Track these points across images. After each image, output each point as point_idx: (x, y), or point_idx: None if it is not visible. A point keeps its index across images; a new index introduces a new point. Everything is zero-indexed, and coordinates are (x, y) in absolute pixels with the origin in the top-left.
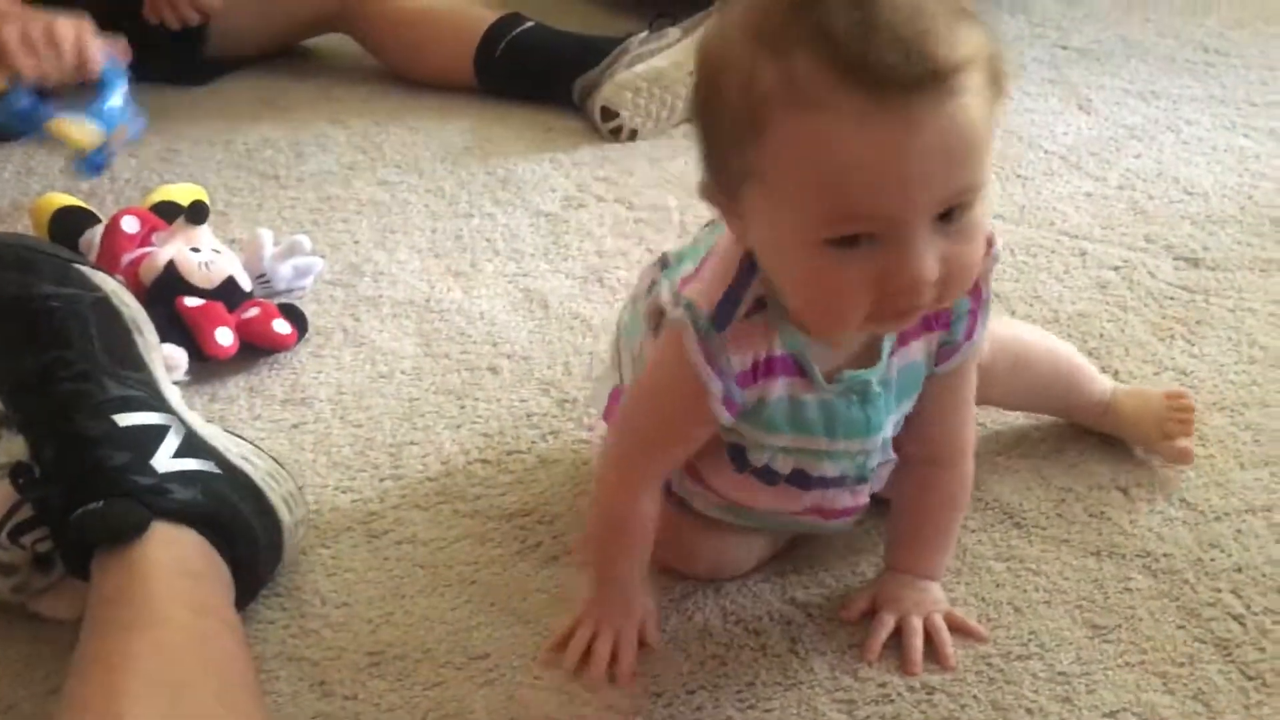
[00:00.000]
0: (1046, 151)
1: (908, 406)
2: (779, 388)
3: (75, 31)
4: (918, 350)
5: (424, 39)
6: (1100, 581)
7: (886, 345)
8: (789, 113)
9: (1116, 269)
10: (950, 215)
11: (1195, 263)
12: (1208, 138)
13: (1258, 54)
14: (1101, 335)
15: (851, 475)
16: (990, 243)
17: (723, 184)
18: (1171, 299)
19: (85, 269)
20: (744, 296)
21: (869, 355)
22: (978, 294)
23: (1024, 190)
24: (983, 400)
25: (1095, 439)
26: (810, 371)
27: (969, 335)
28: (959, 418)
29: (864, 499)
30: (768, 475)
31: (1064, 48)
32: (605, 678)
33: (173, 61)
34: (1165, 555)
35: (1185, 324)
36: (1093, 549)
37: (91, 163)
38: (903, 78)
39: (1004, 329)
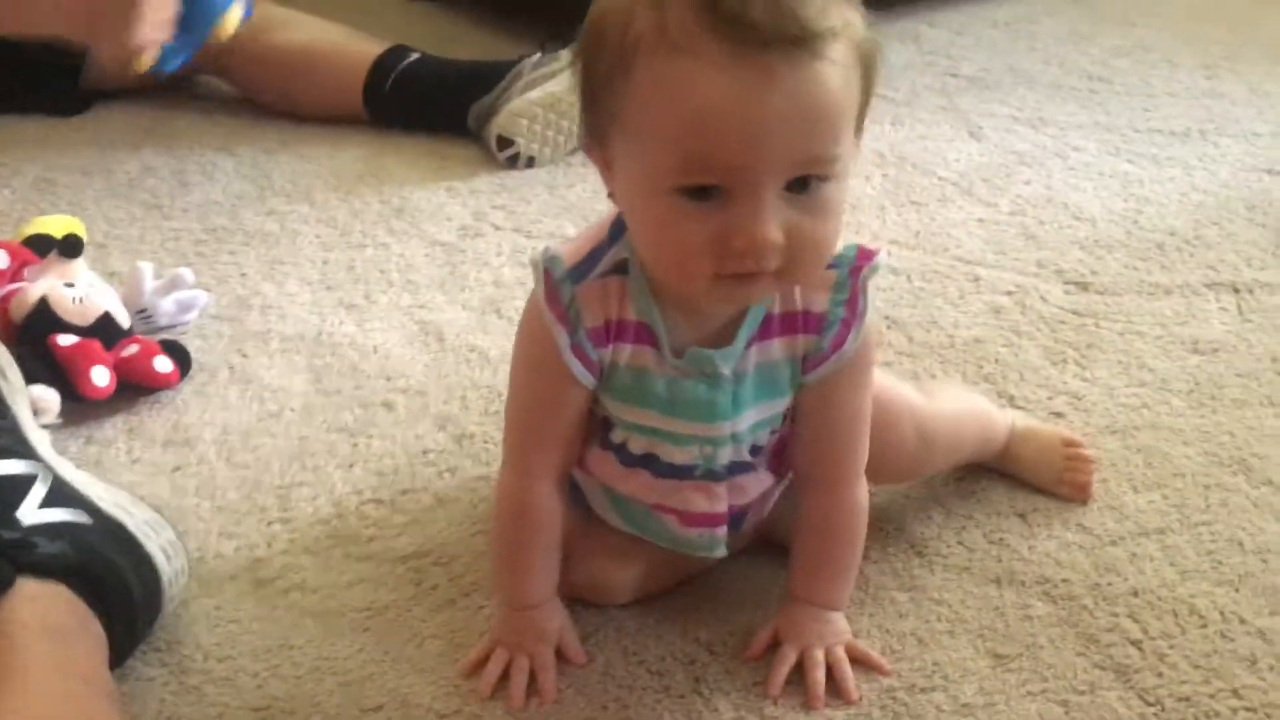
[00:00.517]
0: (940, 178)
1: (770, 410)
2: (627, 354)
3: None
4: (779, 350)
5: (306, 78)
6: (1001, 609)
7: (744, 332)
8: (655, 55)
9: (1009, 294)
10: (803, 185)
11: (1085, 287)
12: (1094, 163)
13: (1139, 81)
14: (996, 360)
15: (700, 467)
16: (868, 255)
17: (595, 131)
18: (1063, 323)
19: None
20: (604, 255)
21: (724, 337)
22: (853, 304)
23: (919, 216)
24: (896, 476)
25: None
26: (660, 342)
27: (838, 345)
28: (846, 437)
29: (721, 508)
30: (624, 455)
31: (954, 75)
32: (524, 705)
33: (50, 91)
34: (1064, 581)
35: (1077, 348)
36: (993, 576)
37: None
38: (766, 32)
39: (904, 407)
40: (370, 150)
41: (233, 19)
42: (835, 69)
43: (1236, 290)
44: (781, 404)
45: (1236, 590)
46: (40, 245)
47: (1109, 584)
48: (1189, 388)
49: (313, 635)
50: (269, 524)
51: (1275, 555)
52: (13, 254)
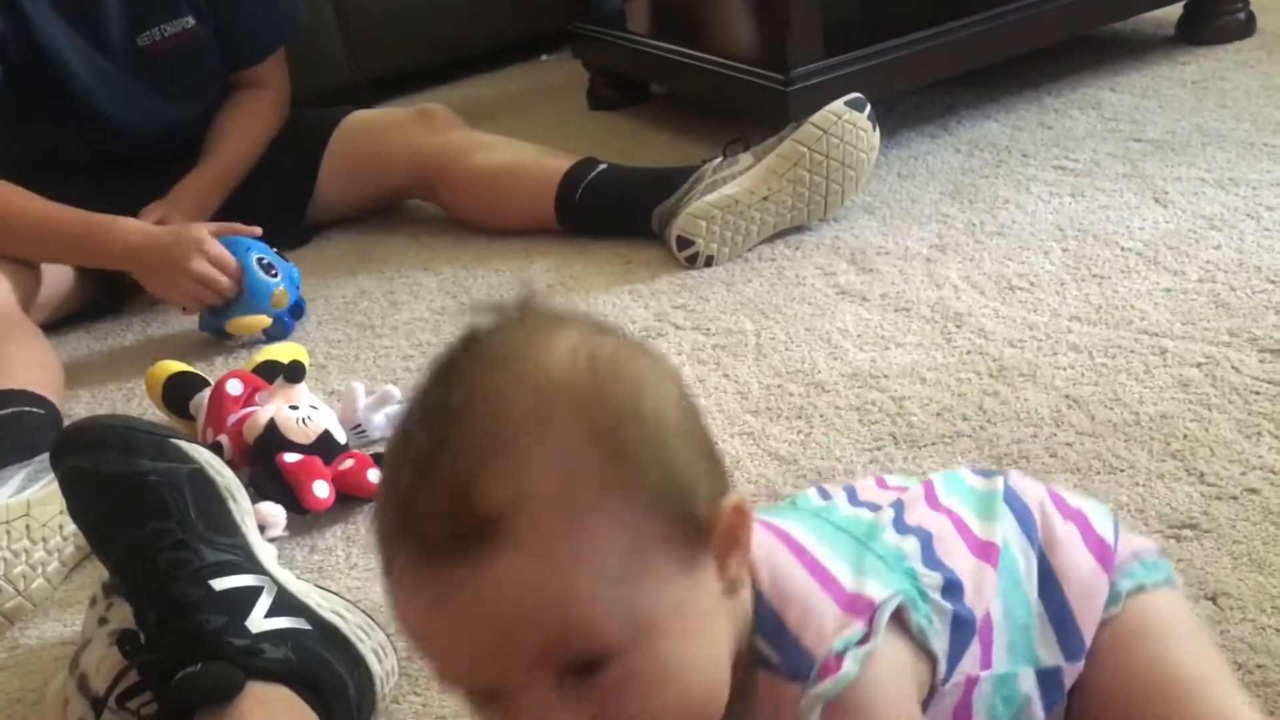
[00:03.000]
0: (1123, 249)
1: None
2: None
3: (213, 258)
4: None
5: (503, 196)
6: None
7: None
8: (385, 573)
9: (1199, 365)
10: (587, 670)
11: None
12: None
13: None
14: (1185, 436)
15: None
16: (827, 668)
17: None
18: (1257, 394)
19: (181, 443)
20: None
21: None
22: None
23: (1100, 290)
24: None
25: (1175, 545)
26: None
27: None
28: None
29: None
30: None
31: (1138, 140)
32: None
33: (276, 228)
34: (1258, 667)
35: (1273, 419)
36: None
37: (277, 329)
38: (427, 541)
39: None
40: (559, 259)
41: (279, 298)
42: (521, 560)
43: None
44: None
45: None
46: (268, 372)
47: None
48: None
49: None
50: None
51: None
52: (245, 381)
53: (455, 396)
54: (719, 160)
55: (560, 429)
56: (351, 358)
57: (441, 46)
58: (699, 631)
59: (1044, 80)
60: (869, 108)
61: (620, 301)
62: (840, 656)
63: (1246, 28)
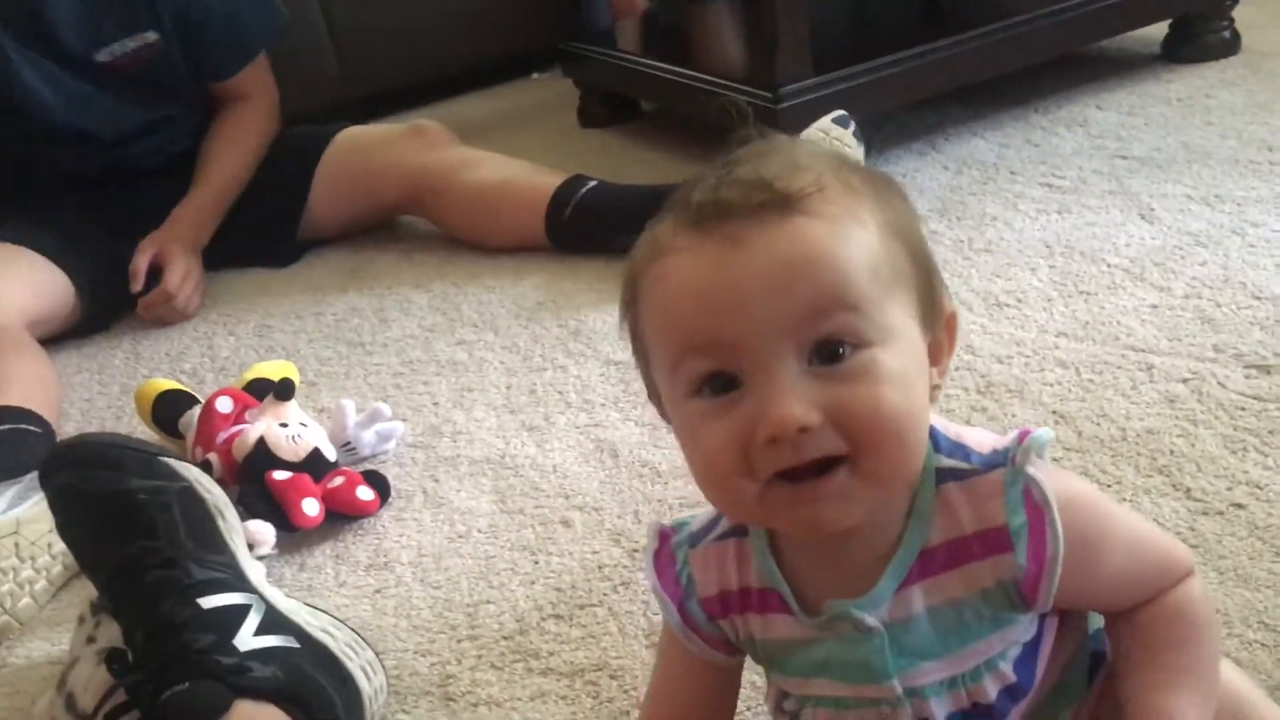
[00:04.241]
0: (1109, 265)
1: (979, 654)
2: (759, 626)
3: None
4: (959, 585)
5: (494, 212)
6: None
7: (891, 574)
8: (648, 271)
9: (1185, 381)
10: (832, 356)
11: (1266, 370)
12: (1275, 239)
13: None
14: (1172, 452)
15: None
16: (1022, 439)
17: (648, 382)
18: (1243, 409)
19: (170, 461)
20: (723, 517)
21: (866, 582)
22: (1030, 503)
23: (1087, 306)
24: None
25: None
26: (790, 605)
27: (1039, 557)
28: (1129, 586)
29: None
30: None
31: (1124, 158)
32: None
33: (267, 245)
34: None
35: (1258, 435)
36: None
37: None
38: (732, 206)
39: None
40: (549, 277)
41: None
42: (816, 222)
43: None
44: (1002, 639)
45: None
46: (258, 389)
47: None
48: None
49: None
50: (459, 641)
51: None
52: (235, 399)
53: (749, 152)
54: None
55: (843, 172)
56: (342, 375)
57: (432, 64)
58: (920, 384)
59: (1032, 98)
60: (854, 124)
61: (611, 319)
62: (1034, 439)
63: (1231, 45)
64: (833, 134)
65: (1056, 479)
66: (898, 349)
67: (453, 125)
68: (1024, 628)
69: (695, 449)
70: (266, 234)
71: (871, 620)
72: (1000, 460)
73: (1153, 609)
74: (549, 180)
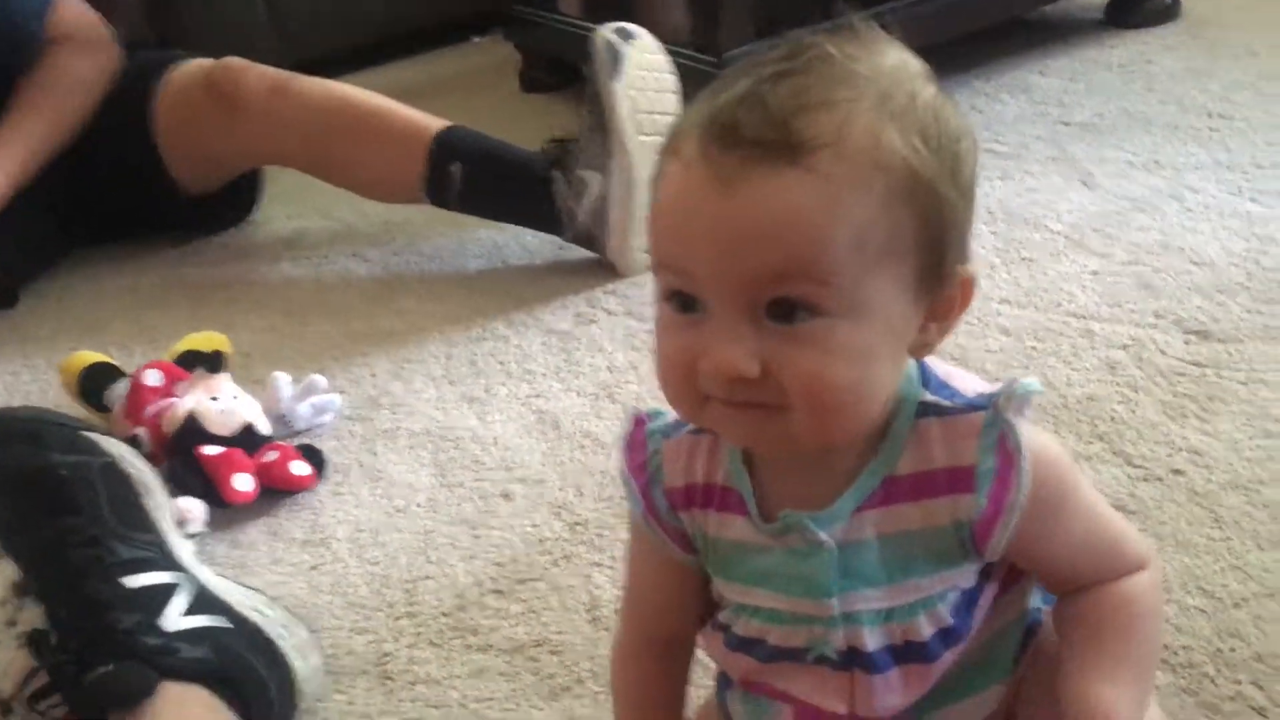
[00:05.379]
0: (1051, 232)
1: (922, 589)
2: (715, 524)
3: None
4: (917, 517)
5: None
6: None
7: (851, 495)
8: (664, 155)
9: (1125, 348)
10: (786, 315)
11: (1205, 335)
12: (1214, 204)
13: (1262, 115)
14: (1112, 418)
15: (813, 650)
16: (1007, 387)
17: None
18: (1182, 375)
19: (93, 435)
20: None
21: (824, 498)
22: (1003, 448)
23: (1029, 273)
24: None
25: None
26: (748, 503)
27: (999, 501)
28: (1086, 560)
29: (837, 708)
30: (729, 636)
31: (1066, 124)
32: None
33: (150, 203)
34: (1184, 648)
35: (1197, 401)
36: None
37: None
38: (743, 134)
39: None
40: (491, 246)
41: None
42: (811, 182)
43: None
44: (942, 580)
45: None
46: (189, 362)
47: (1231, 650)
48: None
49: None
50: (396, 619)
51: None
52: (165, 372)
53: (804, 56)
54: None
55: (890, 119)
56: (277, 346)
57: (370, 29)
58: (886, 355)
59: (974, 64)
60: (645, 36)
61: (553, 286)
62: (1021, 388)
63: (1172, 11)
64: (643, 63)
65: (1035, 435)
66: (865, 322)
67: (391, 92)
68: (965, 574)
69: (659, 347)
70: (139, 190)
71: (824, 535)
72: (984, 404)
73: (1099, 593)
74: (424, 118)
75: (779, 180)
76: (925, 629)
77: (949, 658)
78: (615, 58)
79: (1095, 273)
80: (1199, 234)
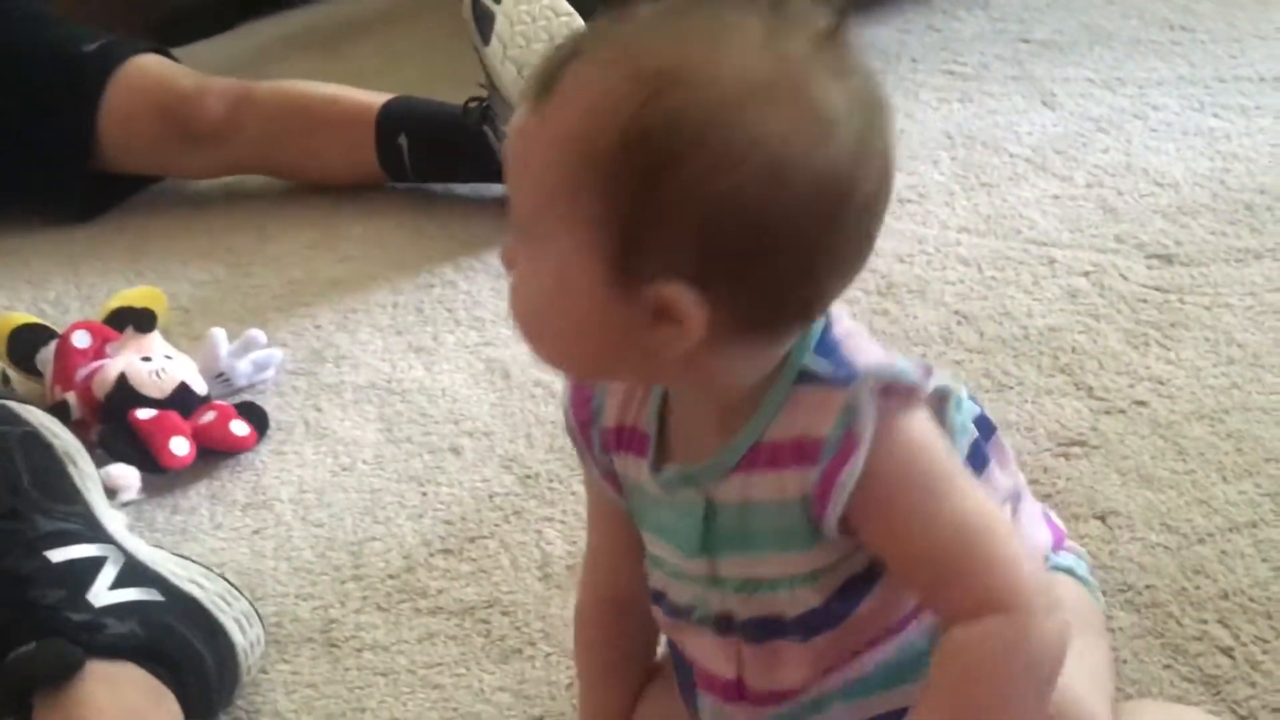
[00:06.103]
0: (1011, 155)
1: (781, 566)
2: (630, 467)
3: None
4: (769, 488)
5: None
6: None
7: (727, 454)
8: None
9: (1087, 274)
10: (517, 232)
11: (1168, 260)
12: (1176, 122)
13: (1225, 26)
14: (1074, 349)
15: (697, 610)
16: (913, 382)
17: None
18: (1144, 301)
19: (10, 404)
20: None
21: (704, 449)
22: (854, 426)
23: (989, 199)
24: None
25: (1063, 463)
26: (650, 450)
27: (831, 477)
28: (946, 567)
29: (724, 671)
30: (649, 587)
31: (1026, 41)
32: None
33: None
34: (1148, 587)
35: (1160, 328)
36: None
37: None
38: (530, 82)
39: None
40: (441, 188)
41: None
42: (539, 124)
43: None
44: (788, 562)
45: None
46: (119, 320)
47: (1197, 587)
48: None
49: (384, 696)
50: (343, 583)
51: None
52: (94, 332)
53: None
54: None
55: (630, 95)
56: (218, 299)
57: None
58: (564, 316)
59: None
60: None
61: (501, 227)
62: (892, 367)
63: None
64: (517, 15)
65: (912, 423)
66: (540, 267)
67: (329, 25)
68: (819, 557)
69: None
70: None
71: (692, 490)
72: (853, 378)
73: (952, 632)
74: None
75: (527, 124)
76: (786, 608)
77: (822, 643)
78: (483, 18)
79: (1056, 197)
80: (1162, 154)
